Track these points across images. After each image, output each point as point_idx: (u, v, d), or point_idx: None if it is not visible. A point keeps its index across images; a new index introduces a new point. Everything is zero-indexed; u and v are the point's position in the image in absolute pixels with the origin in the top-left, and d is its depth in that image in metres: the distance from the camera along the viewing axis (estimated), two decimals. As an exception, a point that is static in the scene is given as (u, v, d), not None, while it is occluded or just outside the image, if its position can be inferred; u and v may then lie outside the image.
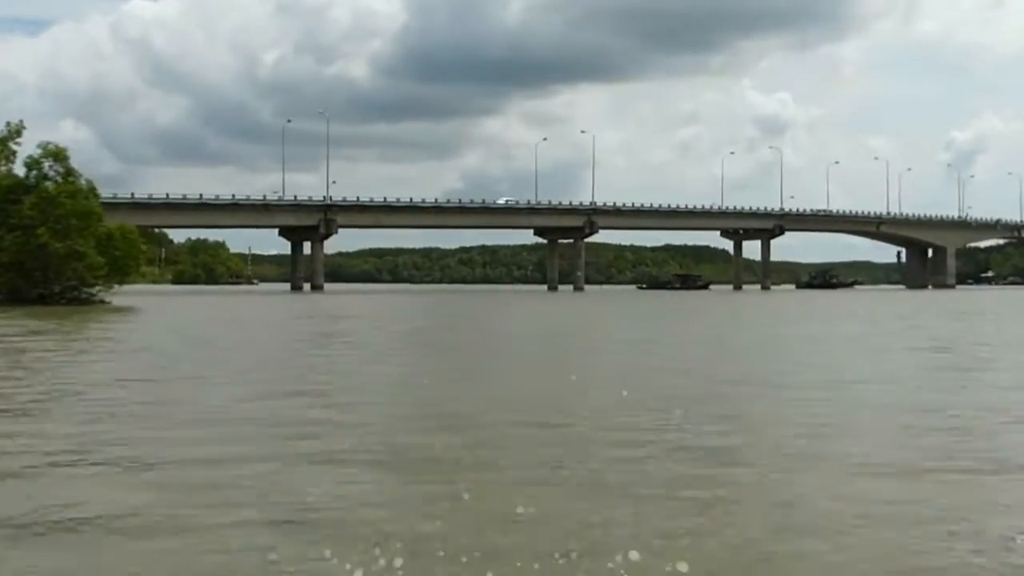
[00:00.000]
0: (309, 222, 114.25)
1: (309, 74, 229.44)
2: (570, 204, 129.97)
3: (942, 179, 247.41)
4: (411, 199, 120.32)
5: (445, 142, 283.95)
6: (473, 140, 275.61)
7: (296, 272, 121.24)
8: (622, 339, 29.51)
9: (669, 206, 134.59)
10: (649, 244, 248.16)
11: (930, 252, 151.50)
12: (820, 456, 9.16)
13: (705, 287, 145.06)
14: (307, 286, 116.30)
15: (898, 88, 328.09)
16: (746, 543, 6.18)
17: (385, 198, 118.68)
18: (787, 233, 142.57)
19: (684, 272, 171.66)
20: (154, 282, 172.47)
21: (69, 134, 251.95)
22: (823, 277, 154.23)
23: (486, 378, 17.38)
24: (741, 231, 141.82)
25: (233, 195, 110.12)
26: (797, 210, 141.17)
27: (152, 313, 45.32)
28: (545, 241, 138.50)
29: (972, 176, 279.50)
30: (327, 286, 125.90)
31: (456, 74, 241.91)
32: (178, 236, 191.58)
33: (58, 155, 53.78)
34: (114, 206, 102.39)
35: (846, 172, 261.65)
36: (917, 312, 51.40)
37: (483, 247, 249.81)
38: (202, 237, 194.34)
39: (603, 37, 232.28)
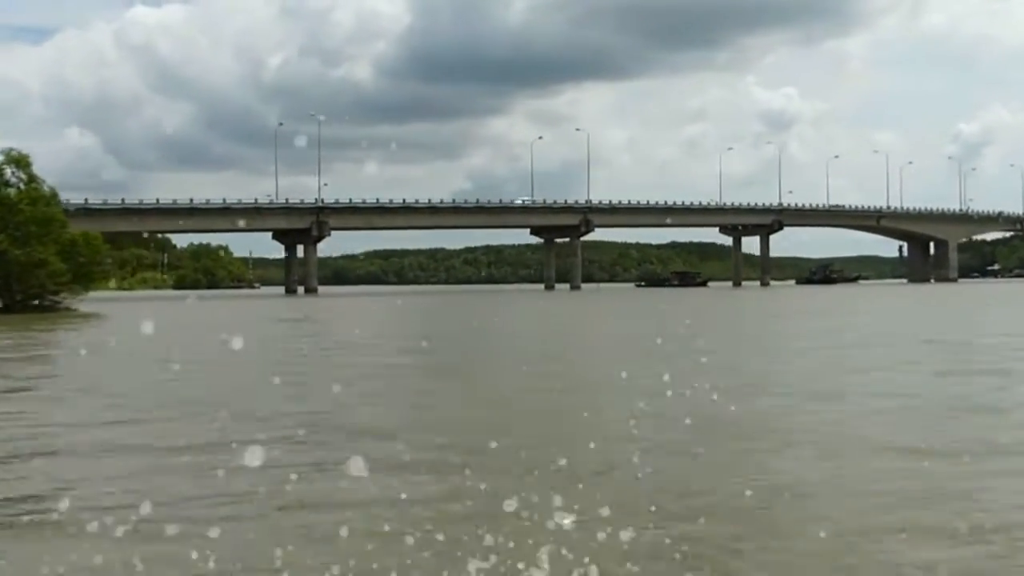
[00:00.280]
0: (301, 225, 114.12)
1: (314, 77, 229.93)
2: (565, 203, 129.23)
3: (948, 172, 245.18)
4: (404, 200, 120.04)
5: (451, 143, 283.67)
6: (479, 140, 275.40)
7: (290, 275, 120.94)
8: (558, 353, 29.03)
9: (666, 203, 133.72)
10: (655, 241, 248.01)
11: (932, 246, 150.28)
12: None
13: (703, 284, 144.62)
14: (301, 289, 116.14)
15: (905, 82, 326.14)
16: None
17: (378, 199, 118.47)
18: (796, 229, 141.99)
19: (683, 270, 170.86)
20: (156, 287, 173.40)
21: (74, 141, 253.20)
22: (823, 272, 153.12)
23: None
24: (740, 227, 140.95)
25: (224, 199, 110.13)
26: (796, 205, 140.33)
27: (103, 322, 45.12)
28: (542, 240, 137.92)
29: (973, 169, 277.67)
30: (321, 289, 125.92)
31: (460, 74, 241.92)
32: (181, 241, 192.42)
33: (20, 161, 53.57)
34: (104, 212, 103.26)
35: (852, 166, 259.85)
36: (886, 308, 50.79)
37: (488, 247, 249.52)
38: (205, 242, 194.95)
39: (606, 35, 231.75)
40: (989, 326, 31.81)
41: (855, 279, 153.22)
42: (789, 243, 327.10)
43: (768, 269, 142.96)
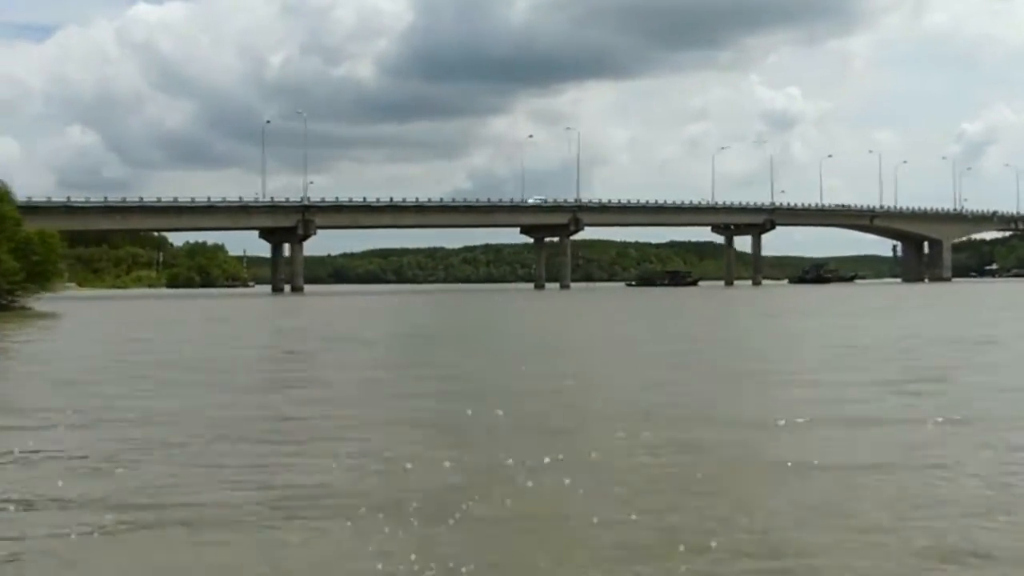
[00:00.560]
0: (287, 223, 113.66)
1: (316, 75, 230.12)
2: (555, 201, 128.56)
3: (949, 172, 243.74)
4: (391, 199, 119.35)
5: (453, 141, 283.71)
6: (480, 139, 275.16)
7: (277, 274, 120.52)
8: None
9: (657, 202, 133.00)
10: (654, 241, 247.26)
11: (926, 245, 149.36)
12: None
13: (694, 283, 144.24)
14: (288, 288, 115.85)
15: (908, 81, 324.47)
16: None
17: (364, 198, 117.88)
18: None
19: (674, 269, 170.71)
20: (150, 285, 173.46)
21: (76, 139, 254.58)
22: (816, 272, 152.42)
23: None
24: (732, 226, 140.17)
25: (208, 197, 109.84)
26: (788, 204, 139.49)
27: (53, 323, 44.91)
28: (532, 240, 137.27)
29: (969, 168, 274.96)
30: (310, 288, 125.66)
31: (462, 73, 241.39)
32: (178, 240, 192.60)
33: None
34: (86, 210, 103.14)
35: (853, 166, 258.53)
36: (851, 309, 50.27)
37: (487, 246, 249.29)
38: (201, 240, 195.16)
39: (609, 34, 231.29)
40: (902, 328, 31.17)
41: (851, 279, 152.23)
42: (789, 242, 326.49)
43: (760, 269, 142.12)
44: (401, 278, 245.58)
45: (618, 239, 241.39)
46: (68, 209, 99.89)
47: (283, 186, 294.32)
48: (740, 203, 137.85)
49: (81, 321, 44.32)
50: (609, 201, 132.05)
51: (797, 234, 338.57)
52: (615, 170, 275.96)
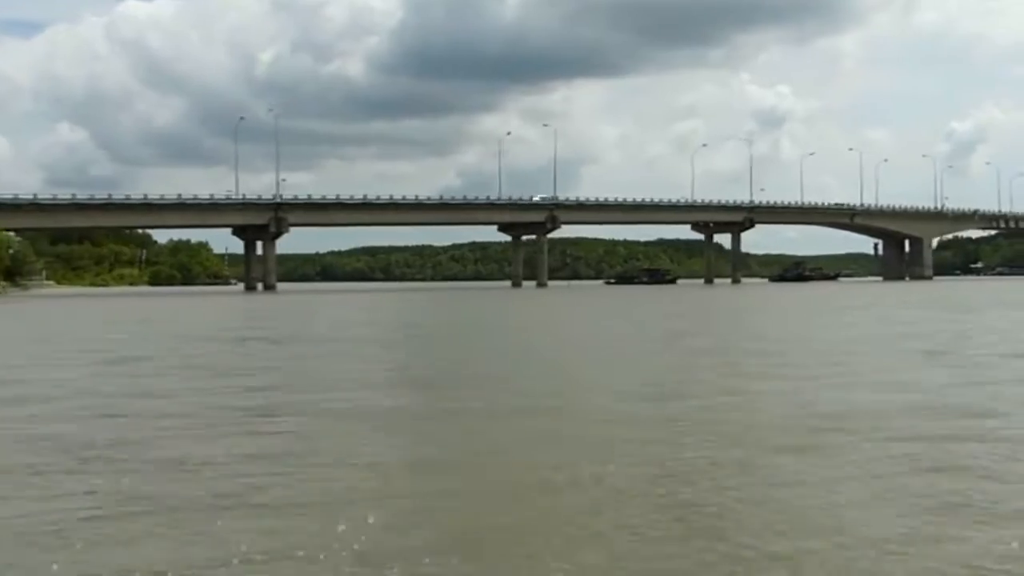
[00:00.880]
0: (259, 221, 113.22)
1: (306, 72, 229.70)
2: (531, 199, 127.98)
3: (937, 171, 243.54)
4: (364, 196, 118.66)
5: (443, 139, 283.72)
6: (471, 137, 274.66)
7: (250, 272, 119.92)
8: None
9: (635, 200, 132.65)
10: (642, 239, 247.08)
11: (907, 243, 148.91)
12: None
13: (672, 281, 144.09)
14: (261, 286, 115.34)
15: (898, 80, 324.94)
16: None
17: (338, 195, 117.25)
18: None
19: (654, 267, 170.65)
20: (132, 283, 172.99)
21: (65, 136, 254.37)
22: (796, 270, 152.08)
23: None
24: (711, 224, 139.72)
25: (179, 195, 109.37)
26: (767, 202, 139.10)
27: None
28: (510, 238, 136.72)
29: (950, 166, 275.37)
30: (286, 286, 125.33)
31: (453, 70, 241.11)
32: (161, 237, 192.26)
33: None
34: (55, 208, 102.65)
35: (840, 164, 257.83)
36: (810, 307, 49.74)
37: (474, 244, 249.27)
38: (185, 238, 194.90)
39: (599, 32, 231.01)
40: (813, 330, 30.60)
41: (834, 277, 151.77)
42: (778, 240, 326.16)
43: (739, 266, 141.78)
44: (389, 276, 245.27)
45: (607, 237, 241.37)
46: (39, 207, 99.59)
47: (268, 184, 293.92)
48: (719, 201, 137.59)
49: (42, 324, 43.75)
50: (587, 199, 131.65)
51: (788, 232, 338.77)
52: (605, 168, 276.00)
